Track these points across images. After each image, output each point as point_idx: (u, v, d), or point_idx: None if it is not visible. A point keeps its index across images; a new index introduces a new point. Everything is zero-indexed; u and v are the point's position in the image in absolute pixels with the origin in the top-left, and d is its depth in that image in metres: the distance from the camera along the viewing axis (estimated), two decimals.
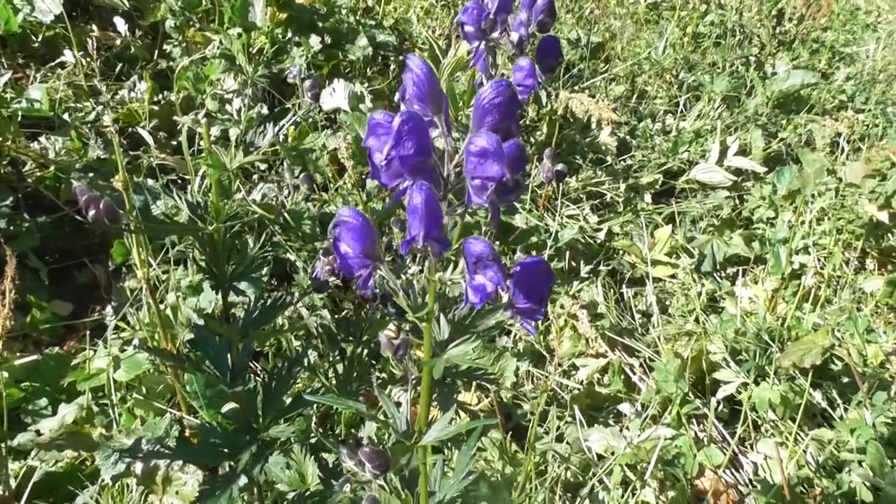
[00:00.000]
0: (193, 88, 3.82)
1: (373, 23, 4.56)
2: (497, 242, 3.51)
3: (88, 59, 3.88)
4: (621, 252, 3.78)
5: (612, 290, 3.53)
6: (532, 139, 4.24)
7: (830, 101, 5.22)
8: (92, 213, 1.19)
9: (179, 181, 3.43)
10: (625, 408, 2.96)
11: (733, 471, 2.75)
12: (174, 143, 3.73)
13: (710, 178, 4.27)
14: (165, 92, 3.90)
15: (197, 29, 4.22)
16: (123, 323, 2.80)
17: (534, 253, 3.44)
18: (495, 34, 1.12)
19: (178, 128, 3.76)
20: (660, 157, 4.32)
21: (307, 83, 1.32)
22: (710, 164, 4.31)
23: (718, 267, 3.76)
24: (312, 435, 1.80)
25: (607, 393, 2.97)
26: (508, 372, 2.73)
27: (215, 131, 3.67)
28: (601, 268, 3.63)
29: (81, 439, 2.22)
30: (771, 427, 2.88)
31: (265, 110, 3.79)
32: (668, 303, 3.58)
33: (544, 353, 3.08)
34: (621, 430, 2.80)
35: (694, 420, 2.93)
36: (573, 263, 3.63)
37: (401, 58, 4.63)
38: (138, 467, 2.12)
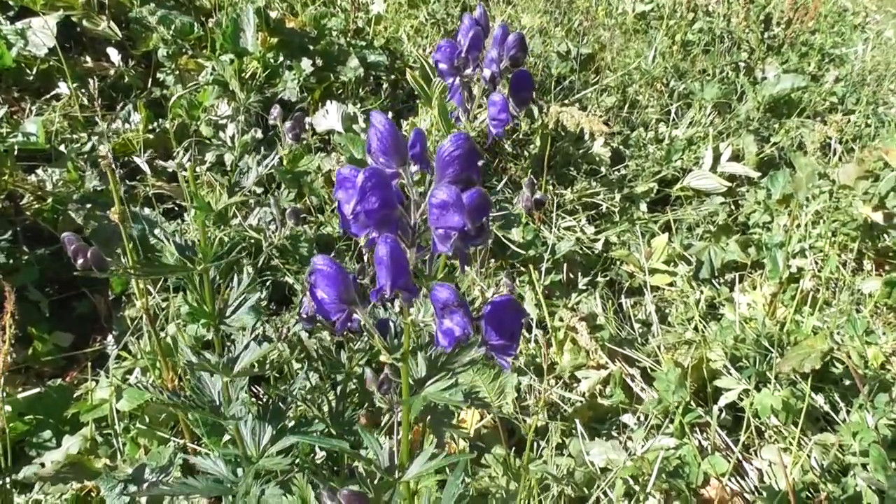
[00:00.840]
0: (187, 115, 3.85)
1: (363, 43, 4.60)
2: (493, 259, 3.52)
3: (83, 91, 3.91)
4: (619, 262, 3.79)
5: (610, 301, 3.54)
6: (525, 153, 4.26)
7: (821, 103, 5.25)
8: (80, 261, 1.22)
9: (176, 209, 3.45)
10: (627, 419, 2.96)
11: (738, 478, 2.75)
12: (170, 170, 3.75)
13: (704, 184, 4.29)
14: (160, 120, 3.93)
15: (189, 56, 4.25)
16: (125, 352, 2.81)
17: (531, 266, 3.46)
18: (468, 71, 1.15)
19: (174, 155, 3.79)
20: (654, 165, 4.34)
21: (287, 124, 1.34)
22: (704, 170, 4.34)
23: (716, 273, 3.77)
24: (308, 464, 1.81)
25: (609, 404, 2.97)
26: (509, 388, 2.74)
27: (210, 157, 3.69)
28: (599, 279, 3.64)
29: (86, 470, 2.23)
30: (774, 433, 2.89)
31: (259, 134, 3.82)
32: (667, 311, 3.59)
33: (545, 366, 3.09)
34: (624, 442, 2.81)
35: (697, 428, 2.93)
36: (571, 275, 3.64)
37: (392, 77, 4.67)
38: (143, 498, 2.13)
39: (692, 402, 2.90)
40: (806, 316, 3.32)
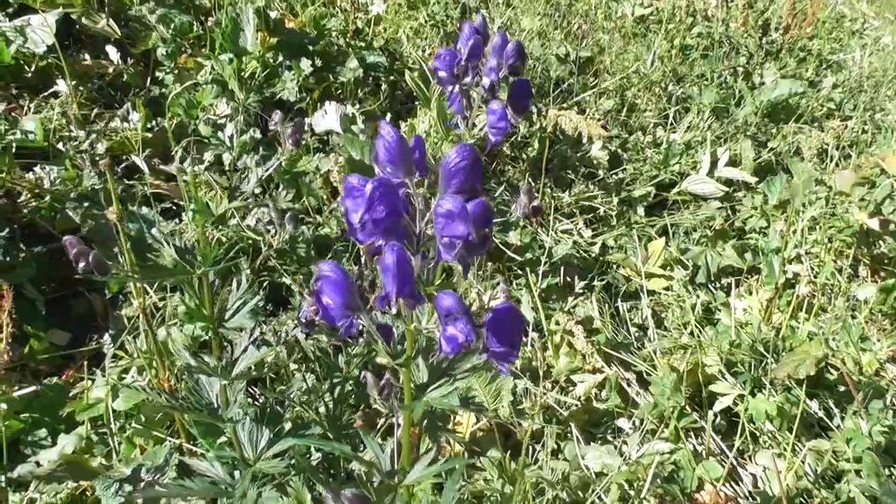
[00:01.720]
0: (186, 114, 3.85)
1: (363, 44, 4.61)
2: (490, 263, 3.53)
3: (82, 89, 3.91)
4: (616, 266, 3.80)
5: (607, 305, 3.55)
6: (523, 155, 4.27)
7: (819, 109, 5.27)
8: (82, 265, 1.23)
9: (174, 208, 3.45)
10: (623, 423, 2.97)
11: (732, 484, 2.76)
12: (168, 169, 3.75)
13: (701, 189, 4.30)
14: (158, 118, 3.93)
15: (188, 55, 4.25)
16: (121, 351, 2.81)
17: (528, 269, 3.46)
18: (467, 79, 1.16)
19: (172, 154, 3.79)
20: (651, 169, 4.35)
21: (288, 130, 1.35)
22: (702, 175, 4.35)
23: (712, 278, 3.79)
24: (305, 466, 1.81)
25: (605, 408, 2.98)
26: (505, 391, 2.74)
27: (209, 156, 3.69)
28: (596, 282, 3.65)
29: (81, 469, 2.23)
30: (769, 438, 2.90)
31: (258, 134, 3.82)
32: (663, 316, 3.60)
33: (541, 370, 3.10)
34: (619, 446, 2.81)
35: (692, 433, 2.94)
36: (568, 279, 3.65)
37: (391, 78, 4.68)
38: (139, 498, 2.13)
39: (687, 407, 2.90)
40: (801, 322, 3.34)
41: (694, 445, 2.87)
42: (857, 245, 3.78)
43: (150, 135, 3.76)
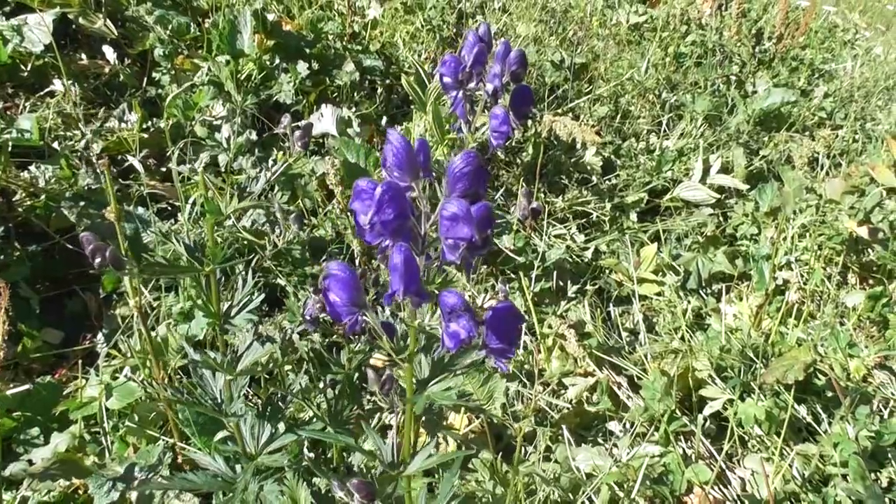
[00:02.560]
0: (182, 115, 3.86)
1: (359, 48, 4.63)
2: (485, 265, 3.55)
3: (78, 89, 3.92)
4: (608, 271, 3.83)
5: (599, 309, 3.58)
6: (518, 160, 4.30)
7: (810, 118, 5.33)
8: (98, 260, 1.25)
9: (169, 208, 3.46)
10: (613, 426, 3.00)
11: (721, 487, 2.78)
12: (164, 170, 3.77)
13: (693, 195, 4.34)
14: (154, 119, 3.94)
15: (185, 56, 4.27)
16: (115, 350, 2.82)
17: (521, 273, 3.49)
18: (471, 85, 1.20)
19: (168, 155, 3.80)
20: (644, 175, 4.39)
21: (297, 133, 1.37)
22: (694, 182, 4.39)
23: (703, 284, 3.82)
24: (304, 461, 1.83)
25: (596, 411, 3.00)
26: (498, 393, 2.76)
27: (205, 158, 3.70)
28: (588, 287, 3.68)
29: (74, 468, 2.23)
30: (757, 442, 2.93)
31: (254, 136, 3.83)
32: (654, 320, 3.63)
33: (534, 373, 3.12)
34: (610, 449, 2.84)
35: (681, 437, 2.97)
36: (560, 283, 3.68)
37: (387, 82, 4.70)
38: (133, 495, 2.14)
39: (677, 411, 2.93)
40: (790, 328, 3.37)
41: (683, 449, 2.90)
42: (846, 252, 3.82)
43: (146, 135, 3.77)
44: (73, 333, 3.05)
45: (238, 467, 1.52)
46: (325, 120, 4.00)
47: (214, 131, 3.82)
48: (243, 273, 1.53)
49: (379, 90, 4.56)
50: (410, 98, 4.09)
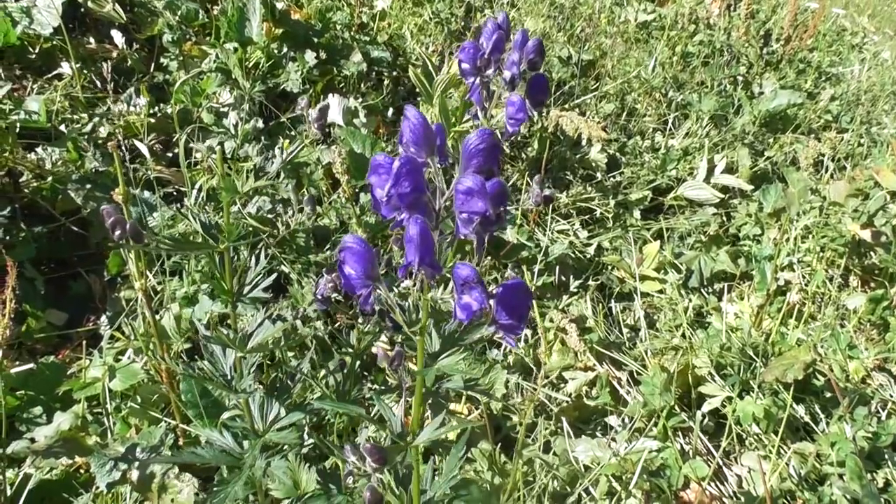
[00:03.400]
0: (190, 101, 3.87)
1: (367, 39, 4.63)
2: (489, 258, 3.56)
3: (86, 72, 3.93)
4: (610, 267, 3.84)
5: (600, 305, 3.59)
6: (523, 155, 4.31)
7: (816, 120, 5.33)
8: (118, 233, 1.26)
9: (175, 193, 3.47)
10: (612, 420, 3.01)
11: (718, 483, 2.80)
12: (170, 155, 3.77)
13: (697, 195, 4.35)
14: (161, 104, 3.95)
15: (193, 43, 4.27)
16: (118, 333, 2.83)
17: (524, 267, 3.50)
18: (489, 72, 1.22)
19: (174, 140, 3.81)
20: (649, 174, 4.39)
21: (314, 114, 1.38)
22: (698, 181, 4.39)
23: (705, 282, 3.83)
24: (306, 443, 1.85)
25: (595, 405, 3.02)
26: (498, 384, 2.78)
27: (212, 143, 3.71)
28: (590, 282, 3.69)
29: (77, 446, 2.25)
30: (755, 440, 2.94)
31: (260, 124, 3.84)
32: (655, 317, 3.64)
33: (533, 366, 3.13)
34: (608, 442, 2.85)
35: (680, 433, 2.98)
36: (563, 278, 3.69)
37: (394, 73, 4.70)
38: (134, 475, 2.15)
39: (676, 407, 2.95)
40: (791, 328, 3.38)
41: (681, 445, 2.91)
42: (848, 255, 3.82)
43: (152, 120, 3.78)
44: (77, 315, 3.06)
45: (245, 444, 1.54)
46: (331, 109, 4.01)
47: (221, 118, 3.83)
48: (256, 255, 1.55)
49: (386, 81, 4.56)
50: (417, 90, 4.09)
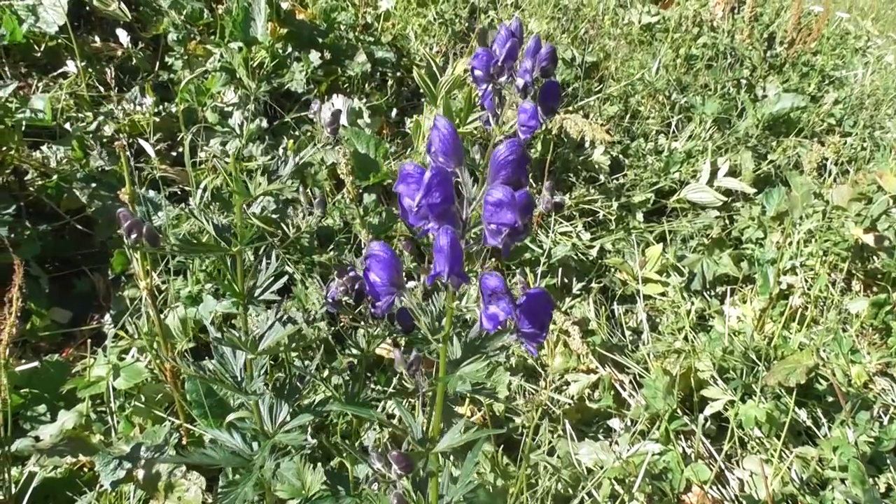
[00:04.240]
0: (194, 101, 3.88)
1: (371, 39, 4.64)
2: (492, 259, 3.57)
3: (91, 70, 3.94)
4: (613, 269, 3.84)
5: (603, 307, 3.60)
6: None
7: (819, 124, 5.33)
8: (134, 236, 1.28)
9: (179, 192, 3.47)
10: (614, 423, 3.02)
11: (720, 486, 2.80)
12: (174, 154, 3.78)
13: (700, 197, 4.35)
14: (166, 103, 3.96)
15: (198, 42, 4.28)
16: (122, 332, 2.84)
17: (527, 269, 3.51)
18: (502, 79, 1.23)
19: (179, 139, 3.82)
20: (652, 176, 4.40)
21: (326, 117, 1.39)
22: (701, 184, 4.40)
23: (708, 286, 3.83)
24: (309, 444, 1.86)
25: (597, 408, 3.02)
26: (501, 386, 2.79)
27: (216, 143, 3.72)
28: (593, 285, 3.70)
29: (81, 445, 2.26)
30: (757, 444, 2.95)
31: (264, 123, 3.85)
32: (658, 320, 3.65)
33: (537, 368, 3.14)
34: (611, 445, 2.86)
35: (682, 436, 2.99)
36: (566, 280, 3.69)
37: (398, 74, 4.71)
38: (140, 473, 2.16)
39: (678, 410, 2.95)
40: (793, 332, 3.39)
41: (683, 448, 2.92)
42: (851, 259, 3.83)
43: (157, 119, 3.79)
44: (81, 313, 3.07)
45: (255, 445, 1.55)
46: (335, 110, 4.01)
47: (226, 117, 3.83)
48: (267, 257, 1.56)
49: (390, 82, 4.57)
50: (421, 91, 4.10)
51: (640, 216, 4.24)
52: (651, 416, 2.93)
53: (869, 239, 3.75)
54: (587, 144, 4.44)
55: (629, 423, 2.99)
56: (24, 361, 2.70)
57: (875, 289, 3.83)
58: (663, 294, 3.76)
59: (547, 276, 3.59)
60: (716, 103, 4.90)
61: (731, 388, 3.01)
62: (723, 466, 2.84)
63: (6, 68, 3.84)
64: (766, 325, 3.48)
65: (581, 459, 2.71)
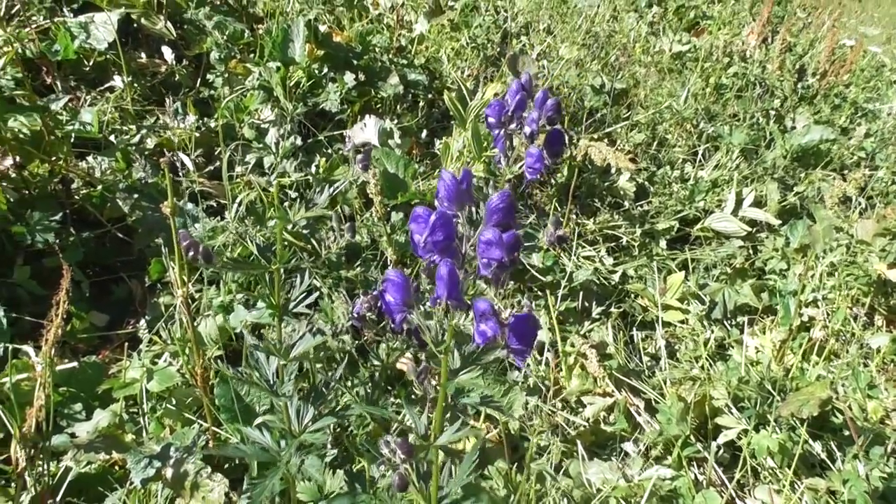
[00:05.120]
0: (233, 117, 4.04)
1: (405, 62, 4.78)
2: (513, 282, 3.65)
3: (136, 85, 4.12)
4: (634, 295, 3.90)
5: (622, 332, 3.65)
6: (552, 181, 4.40)
7: (849, 157, 5.33)
8: (191, 254, 1.46)
9: (215, 205, 3.62)
10: (628, 447, 3.06)
11: None
12: (211, 168, 3.94)
13: (724, 227, 4.39)
14: (205, 119, 4.13)
15: (238, 61, 4.45)
16: (157, 337, 2.97)
17: (548, 291, 3.58)
18: (513, 126, 1.39)
19: (216, 153, 3.98)
20: (676, 204, 4.45)
21: (360, 156, 1.54)
22: (726, 213, 4.44)
23: (728, 315, 3.87)
24: (329, 452, 1.97)
25: (611, 431, 3.08)
26: (517, 405, 2.86)
27: (251, 159, 3.87)
28: (613, 309, 3.75)
29: (116, 443, 2.38)
30: (769, 474, 2.97)
31: (299, 141, 3.99)
32: (676, 347, 3.69)
33: (553, 388, 3.20)
34: (622, 468, 2.91)
35: (694, 463, 3.02)
36: (586, 304, 3.76)
37: (430, 96, 4.84)
38: (169, 472, 2.27)
39: (692, 437, 2.99)
40: (812, 365, 3.41)
41: (695, 474, 2.96)
42: (873, 294, 3.83)
43: (197, 134, 3.95)
44: (118, 318, 3.22)
45: (282, 443, 1.70)
46: (367, 130, 4.15)
47: (262, 134, 3.98)
48: (301, 275, 1.72)
49: (421, 104, 4.70)
50: (451, 114, 4.21)
51: (663, 243, 4.29)
52: (665, 441, 2.98)
53: (893, 275, 3.76)
54: (613, 170, 4.51)
55: (642, 448, 3.04)
56: (65, 361, 2.84)
57: None
58: (683, 322, 3.81)
59: (567, 298, 3.66)
60: (744, 133, 4.94)
61: (746, 418, 3.04)
62: (734, 495, 2.87)
63: (58, 82, 4.04)
64: (785, 357, 3.50)
65: (590, 478, 2.77)
